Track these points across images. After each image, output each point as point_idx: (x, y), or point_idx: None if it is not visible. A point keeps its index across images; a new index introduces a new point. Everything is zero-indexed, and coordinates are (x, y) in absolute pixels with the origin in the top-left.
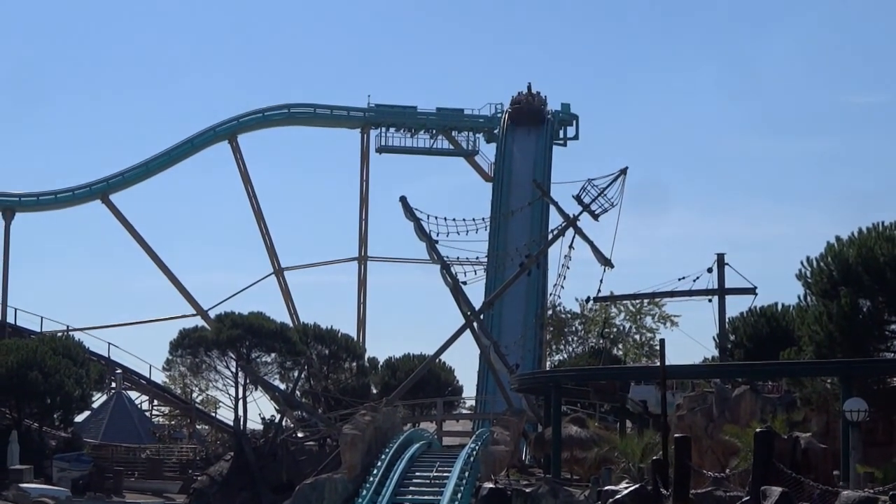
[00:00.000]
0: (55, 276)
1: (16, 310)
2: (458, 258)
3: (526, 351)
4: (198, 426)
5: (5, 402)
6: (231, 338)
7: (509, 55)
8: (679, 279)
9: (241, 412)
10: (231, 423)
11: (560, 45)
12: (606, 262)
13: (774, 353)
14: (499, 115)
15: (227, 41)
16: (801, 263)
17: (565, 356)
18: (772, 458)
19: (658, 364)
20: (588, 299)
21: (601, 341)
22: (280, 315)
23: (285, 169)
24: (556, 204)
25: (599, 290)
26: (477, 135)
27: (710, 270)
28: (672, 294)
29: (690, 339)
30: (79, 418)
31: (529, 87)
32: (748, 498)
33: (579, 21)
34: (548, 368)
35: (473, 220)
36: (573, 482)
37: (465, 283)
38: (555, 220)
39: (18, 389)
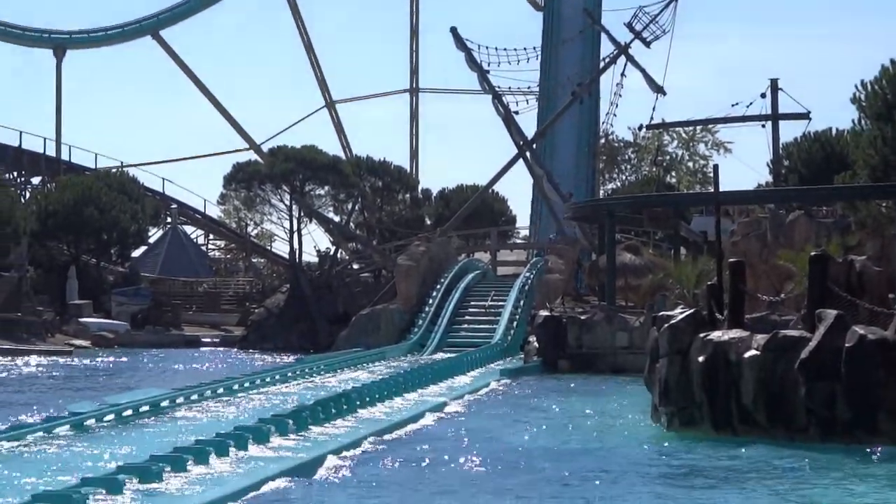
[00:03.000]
0: (109, 112)
1: (70, 147)
2: (509, 88)
3: (579, 180)
4: (253, 259)
5: (63, 239)
6: (284, 171)
7: None
8: (732, 105)
9: (296, 245)
10: (286, 256)
11: None
12: (659, 90)
13: (829, 177)
14: None
15: None
16: (856, 87)
17: (618, 185)
18: (826, 282)
19: (712, 190)
20: (640, 127)
21: (654, 169)
22: (332, 148)
23: (336, 1)
24: (607, 32)
25: (652, 118)
26: None
27: (763, 96)
28: (725, 120)
29: (744, 166)
30: (135, 253)
31: None
32: (803, 321)
33: None
34: (601, 197)
35: (525, 49)
36: (628, 309)
37: (516, 112)
38: (606, 48)
39: (75, 226)
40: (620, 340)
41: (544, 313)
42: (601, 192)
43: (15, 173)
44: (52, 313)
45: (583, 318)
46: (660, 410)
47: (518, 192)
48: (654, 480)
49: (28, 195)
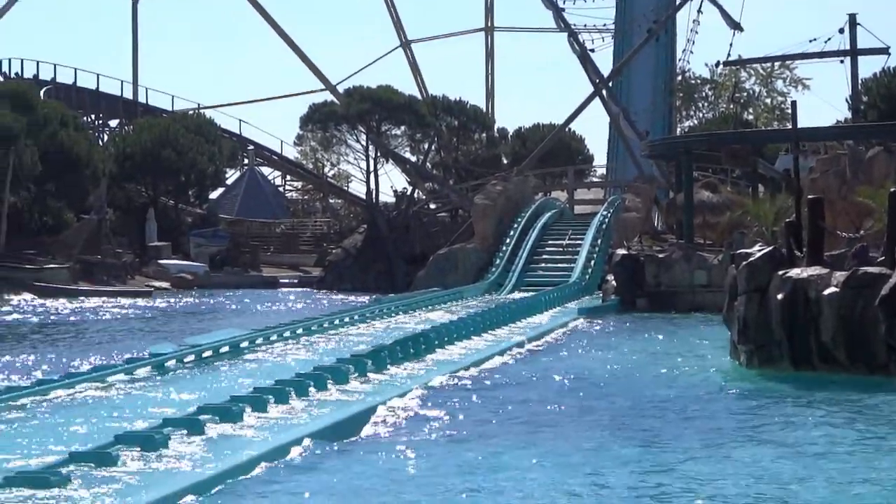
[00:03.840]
0: (185, 54)
1: (147, 89)
2: (584, 25)
3: (656, 117)
4: (331, 200)
5: (141, 181)
6: (361, 111)
7: None
8: (810, 41)
9: (372, 185)
10: (363, 197)
11: None
12: (735, 26)
13: None
14: None
15: None
16: None
17: (695, 122)
18: None
19: (790, 127)
20: (717, 64)
21: (731, 106)
22: (408, 88)
23: None
24: None
25: (729, 55)
26: None
27: (841, 31)
28: (803, 56)
29: (822, 102)
30: (213, 195)
31: None
32: (883, 258)
33: None
34: (678, 135)
35: None
36: (706, 247)
37: (592, 50)
38: None
39: (153, 167)
40: (698, 278)
41: (622, 252)
42: (678, 129)
43: (93, 116)
44: (132, 255)
45: (661, 256)
46: (739, 348)
47: (594, 130)
48: (735, 417)
49: (106, 138)
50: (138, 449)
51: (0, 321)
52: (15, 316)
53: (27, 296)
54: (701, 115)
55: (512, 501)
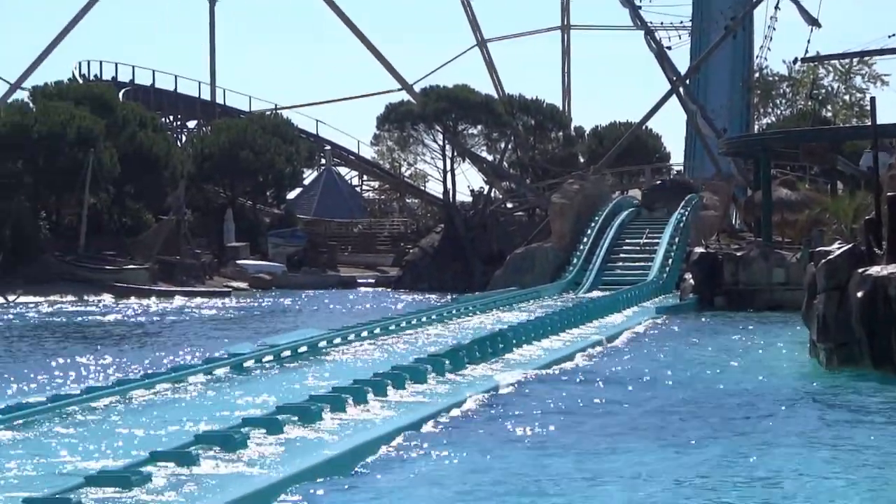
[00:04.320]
0: (262, 55)
1: (224, 90)
2: (661, 23)
3: (733, 115)
4: (408, 200)
5: (219, 182)
6: (437, 111)
7: None
8: (889, 36)
9: (449, 185)
10: (440, 196)
11: None
12: (813, 22)
13: None
14: None
15: None
16: None
17: (773, 119)
18: None
19: (869, 123)
20: (795, 61)
21: (810, 103)
22: (485, 87)
23: None
24: None
25: (807, 51)
26: None
27: None
28: (882, 52)
29: None
30: (290, 195)
31: None
32: None
33: None
34: (755, 132)
35: None
36: (784, 245)
37: (669, 48)
38: None
39: (231, 168)
40: (777, 276)
41: (700, 250)
42: (756, 126)
43: (171, 117)
44: (210, 255)
45: (739, 254)
46: (818, 346)
47: (671, 128)
48: (818, 416)
49: (184, 139)
50: (218, 449)
51: (80, 322)
52: (95, 317)
53: (107, 296)
54: (779, 112)
55: (592, 500)
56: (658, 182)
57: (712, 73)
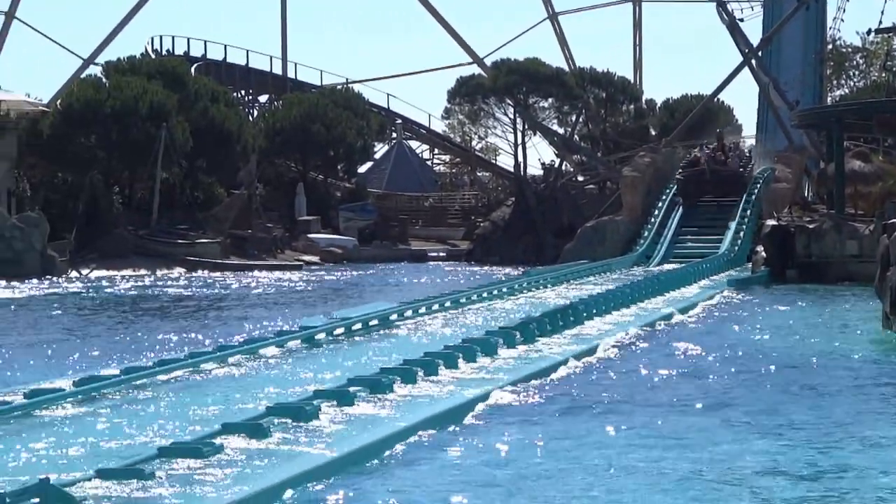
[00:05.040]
0: (333, 29)
1: (296, 64)
2: None
3: (806, 87)
4: (478, 173)
5: (291, 156)
6: (508, 84)
7: None
8: None
9: (520, 158)
10: (511, 169)
11: None
12: None
13: None
14: None
15: None
16: None
17: (846, 91)
18: None
19: None
20: (869, 31)
21: (884, 74)
22: (555, 60)
23: None
24: None
25: (880, 22)
26: None
27: None
28: None
29: None
30: (361, 169)
31: None
32: None
33: None
34: (829, 104)
35: None
36: (857, 217)
37: (741, 20)
38: None
39: (302, 143)
40: (850, 249)
41: (772, 223)
42: (829, 98)
43: (243, 92)
44: (282, 230)
45: (811, 226)
46: (891, 319)
47: (743, 100)
48: (888, 387)
49: (256, 113)
50: (289, 420)
51: (153, 295)
52: (167, 290)
53: (179, 270)
54: (852, 83)
55: (679, 468)
56: (689, 163)
57: (785, 45)
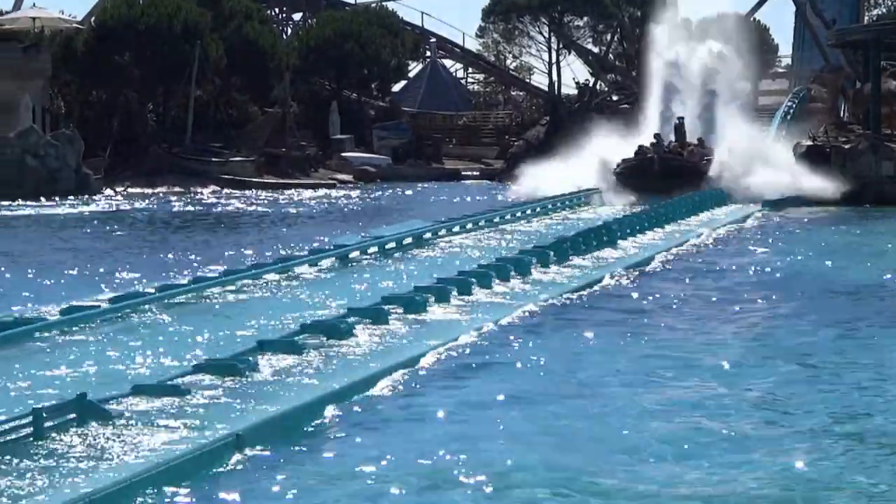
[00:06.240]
0: None
1: None
2: None
3: (843, 5)
4: (512, 92)
5: (324, 74)
6: (543, 2)
7: None
8: None
9: (554, 77)
10: (545, 88)
11: None
12: None
13: None
14: None
15: None
16: None
17: (884, 10)
18: None
19: None
20: None
21: None
22: None
23: None
24: None
25: None
26: None
27: None
28: None
29: None
30: (395, 88)
31: None
32: None
33: None
34: (866, 23)
35: None
36: (893, 138)
37: None
38: None
39: (336, 61)
40: (886, 170)
41: (807, 143)
42: (866, 18)
43: (277, 9)
44: (315, 148)
45: (847, 147)
46: None
47: (780, 19)
48: None
49: (290, 31)
50: (323, 338)
51: (187, 213)
52: (201, 208)
53: (214, 188)
54: (890, 2)
55: (716, 364)
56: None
57: None
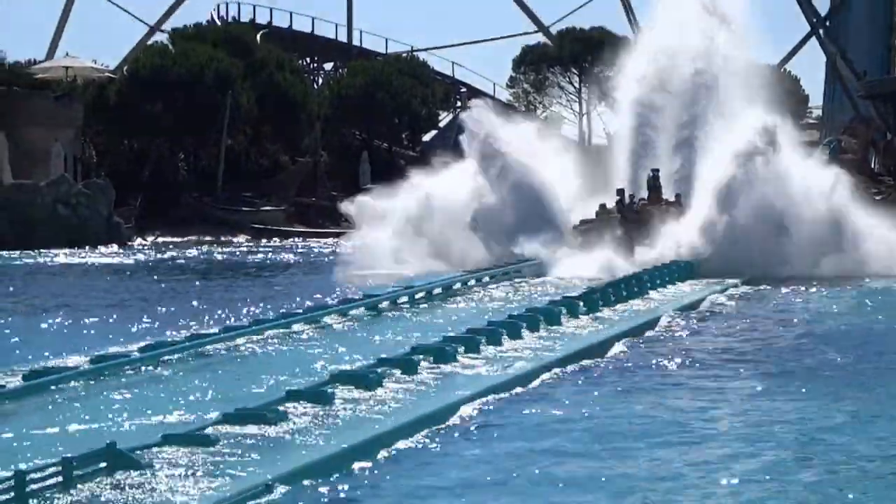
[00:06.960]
0: None
1: (361, 32)
2: None
3: (873, 57)
4: None
5: (355, 124)
6: (574, 53)
7: None
8: None
9: (585, 127)
10: (576, 139)
11: None
12: None
13: None
14: None
15: None
16: None
17: None
18: None
19: None
20: None
21: None
22: (622, 29)
23: None
24: None
25: None
26: None
27: None
28: None
29: None
30: (426, 137)
31: None
32: None
33: None
34: None
35: None
36: None
37: None
38: None
39: (367, 110)
40: None
41: None
42: None
43: (308, 59)
44: (345, 197)
45: (877, 198)
46: None
47: (811, 71)
48: None
49: (321, 81)
50: (353, 388)
51: (217, 262)
52: (232, 257)
53: (244, 237)
54: None
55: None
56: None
57: (853, 15)
